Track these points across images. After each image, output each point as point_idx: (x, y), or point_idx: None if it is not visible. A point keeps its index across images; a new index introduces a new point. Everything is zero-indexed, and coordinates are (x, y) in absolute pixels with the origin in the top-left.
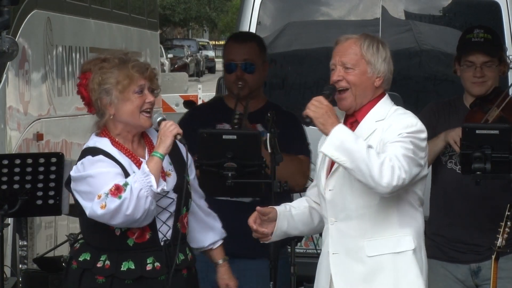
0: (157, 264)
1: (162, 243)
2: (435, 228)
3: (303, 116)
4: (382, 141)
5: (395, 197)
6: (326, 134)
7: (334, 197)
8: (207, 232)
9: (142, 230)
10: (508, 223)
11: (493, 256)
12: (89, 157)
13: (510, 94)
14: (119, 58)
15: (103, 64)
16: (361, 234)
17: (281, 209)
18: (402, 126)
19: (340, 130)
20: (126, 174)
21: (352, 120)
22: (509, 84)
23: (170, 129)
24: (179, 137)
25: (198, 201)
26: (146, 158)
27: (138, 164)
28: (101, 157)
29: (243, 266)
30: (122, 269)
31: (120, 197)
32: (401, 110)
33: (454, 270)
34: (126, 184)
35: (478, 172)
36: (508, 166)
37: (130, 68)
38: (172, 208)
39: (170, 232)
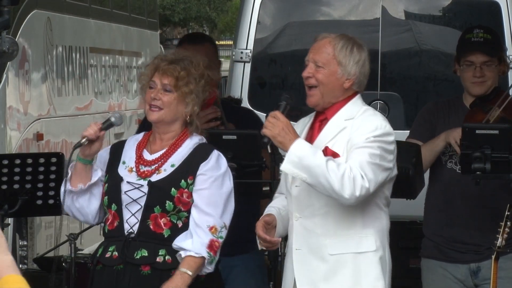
0: (115, 253)
1: (126, 234)
2: (434, 229)
3: (261, 135)
4: (350, 141)
5: None
6: (286, 151)
7: (300, 194)
8: (186, 238)
9: (113, 217)
10: (508, 223)
11: (493, 256)
12: None
13: (510, 94)
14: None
15: None
16: (324, 232)
17: (275, 213)
18: (369, 129)
19: (298, 147)
20: (111, 166)
21: (322, 117)
22: (510, 84)
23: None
24: (82, 140)
25: (195, 214)
26: (152, 157)
27: (140, 160)
28: (110, 146)
29: (226, 263)
30: (97, 255)
31: None
32: (370, 111)
33: (453, 270)
34: None
35: (478, 172)
36: (508, 166)
37: (148, 66)
38: (143, 202)
39: (137, 225)
